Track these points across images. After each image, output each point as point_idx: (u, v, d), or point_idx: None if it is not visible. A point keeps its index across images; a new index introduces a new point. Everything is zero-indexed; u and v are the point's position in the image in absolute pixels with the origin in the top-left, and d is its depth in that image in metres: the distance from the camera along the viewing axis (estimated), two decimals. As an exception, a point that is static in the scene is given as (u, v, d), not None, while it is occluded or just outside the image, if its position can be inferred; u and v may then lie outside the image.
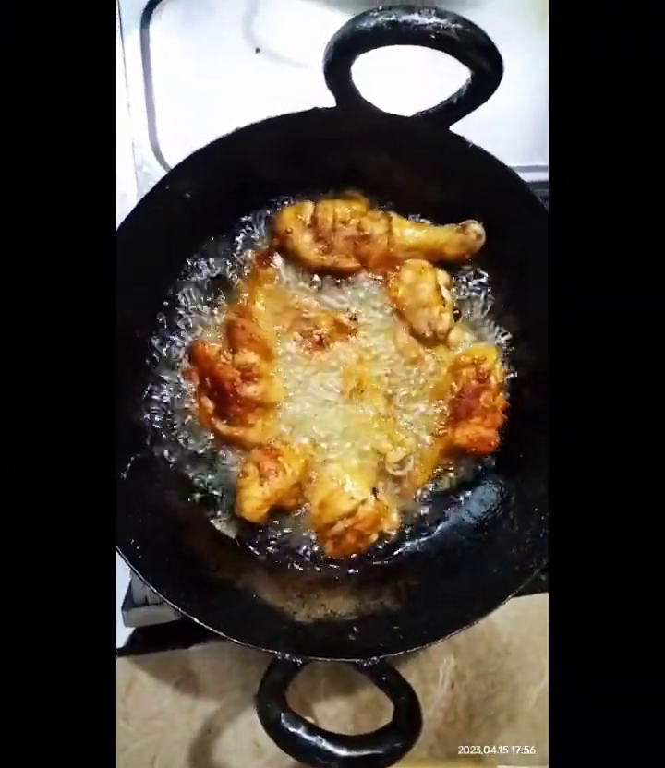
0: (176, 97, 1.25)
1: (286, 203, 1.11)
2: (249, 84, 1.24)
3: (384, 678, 0.97)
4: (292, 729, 0.86)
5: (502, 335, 1.18)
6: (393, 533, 1.14)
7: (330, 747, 0.85)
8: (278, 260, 1.11)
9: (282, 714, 0.87)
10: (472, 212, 1.11)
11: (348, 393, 1.11)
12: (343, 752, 0.85)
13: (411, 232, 1.10)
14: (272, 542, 1.14)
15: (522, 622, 1.37)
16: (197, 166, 0.96)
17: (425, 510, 1.19)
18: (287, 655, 0.95)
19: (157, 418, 1.11)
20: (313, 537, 1.14)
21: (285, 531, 1.14)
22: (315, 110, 0.97)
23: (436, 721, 1.32)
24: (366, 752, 0.86)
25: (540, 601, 1.35)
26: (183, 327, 1.11)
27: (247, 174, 1.04)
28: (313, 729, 0.86)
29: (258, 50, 1.26)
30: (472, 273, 1.17)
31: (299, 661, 0.95)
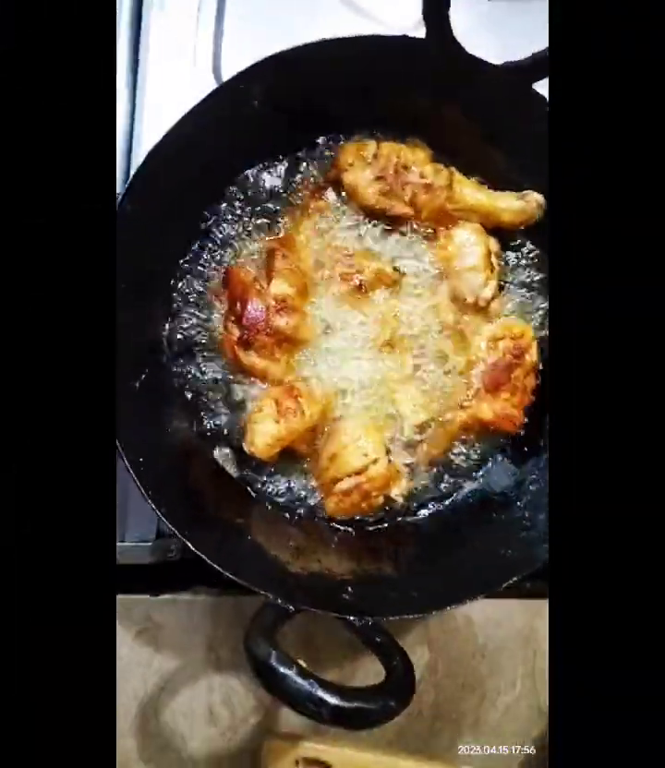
0: (248, 37, 1.19)
1: (351, 139, 1.06)
2: (327, 34, 1.19)
3: (378, 640, 0.90)
4: (282, 669, 0.77)
5: (542, 316, 1.12)
6: (400, 499, 1.07)
7: (322, 693, 0.77)
8: (331, 195, 1.06)
9: (273, 652, 0.78)
10: (533, 184, 1.06)
11: (378, 346, 1.05)
12: (334, 700, 0.77)
13: (471, 191, 1.05)
14: (275, 488, 1.07)
15: (501, 626, 1.31)
16: (272, 69, 0.91)
17: (436, 482, 1.12)
18: (280, 600, 0.87)
19: (177, 337, 1.05)
20: (317, 491, 1.07)
21: (291, 478, 1.07)
22: (404, 37, 0.92)
23: (400, 715, 1.24)
24: (358, 705, 0.78)
25: (523, 607, 1.30)
26: (219, 247, 1.05)
27: (318, 95, 0.98)
28: (305, 672, 0.78)
29: (342, -2, 1.21)
30: (522, 247, 1.12)
31: (291, 607, 0.88)
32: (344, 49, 0.91)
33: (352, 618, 0.89)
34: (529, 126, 1.00)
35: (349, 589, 0.96)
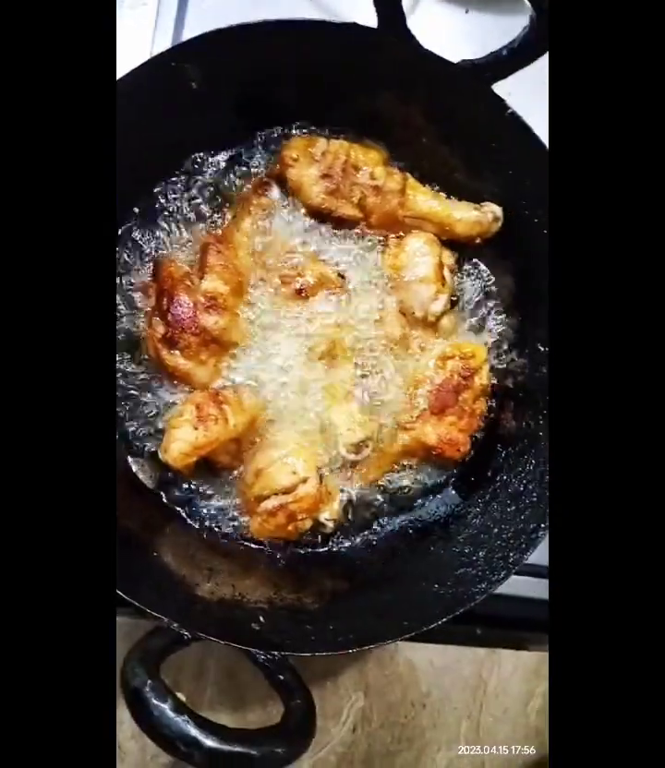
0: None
1: (298, 134, 0.99)
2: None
3: (281, 677, 0.79)
4: (155, 701, 0.66)
5: (496, 339, 1.04)
6: (331, 524, 0.96)
7: (197, 732, 0.65)
8: (275, 192, 0.98)
9: (149, 682, 0.67)
10: (492, 196, 0.99)
11: (316, 356, 0.96)
12: (210, 742, 0.65)
13: (425, 198, 0.97)
14: (192, 502, 0.97)
15: (447, 674, 1.20)
16: (210, 48, 0.83)
17: (371, 509, 1.02)
18: (175, 624, 0.77)
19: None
20: (239, 508, 0.97)
21: (210, 492, 0.97)
22: (354, 25, 0.85)
23: (328, 765, 1.11)
24: (237, 749, 0.66)
25: (472, 655, 1.21)
26: (150, 238, 0.96)
27: (263, 83, 0.91)
28: (181, 707, 0.67)
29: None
30: (478, 263, 1.04)
31: (187, 634, 0.77)
32: (288, 33, 0.84)
33: (257, 652, 0.78)
34: (489, 130, 0.93)
35: (261, 619, 0.86)
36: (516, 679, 1.21)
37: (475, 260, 1.04)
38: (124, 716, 0.99)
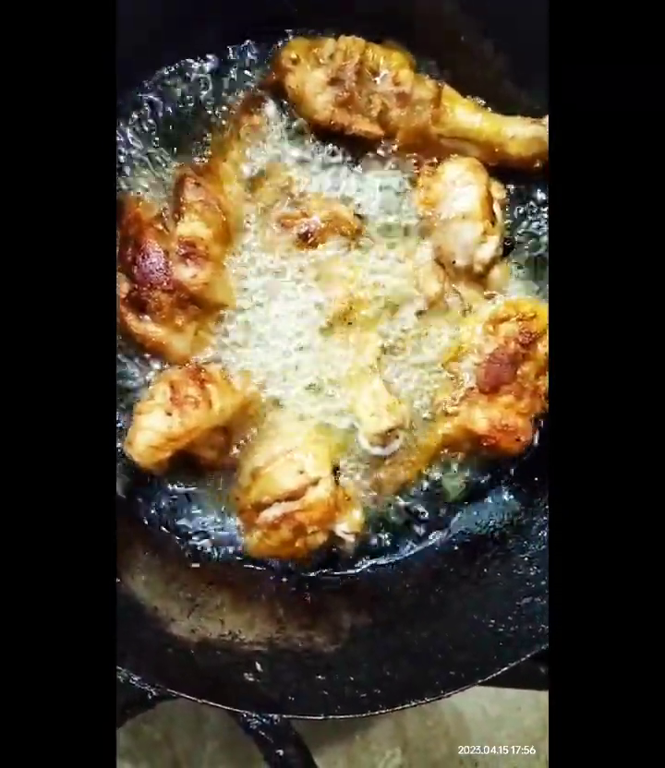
0: None
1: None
2: None
3: (280, 753, 0.71)
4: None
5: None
6: (351, 539, 0.89)
7: None
8: (271, 108, 0.88)
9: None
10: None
11: (329, 321, 0.87)
12: None
13: (466, 111, 0.87)
14: (171, 511, 0.89)
15: (505, 724, 1.13)
16: None
17: (403, 519, 0.93)
18: (136, 678, 0.66)
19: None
20: (233, 519, 0.88)
21: (194, 498, 0.89)
22: None
23: None
24: None
25: (534, 700, 1.14)
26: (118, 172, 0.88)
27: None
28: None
29: None
30: (540, 197, 0.94)
31: (152, 691, 0.67)
32: None
33: (248, 715, 0.66)
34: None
35: (258, 666, 0.76)
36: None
37: (532, 194, 0.94)
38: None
